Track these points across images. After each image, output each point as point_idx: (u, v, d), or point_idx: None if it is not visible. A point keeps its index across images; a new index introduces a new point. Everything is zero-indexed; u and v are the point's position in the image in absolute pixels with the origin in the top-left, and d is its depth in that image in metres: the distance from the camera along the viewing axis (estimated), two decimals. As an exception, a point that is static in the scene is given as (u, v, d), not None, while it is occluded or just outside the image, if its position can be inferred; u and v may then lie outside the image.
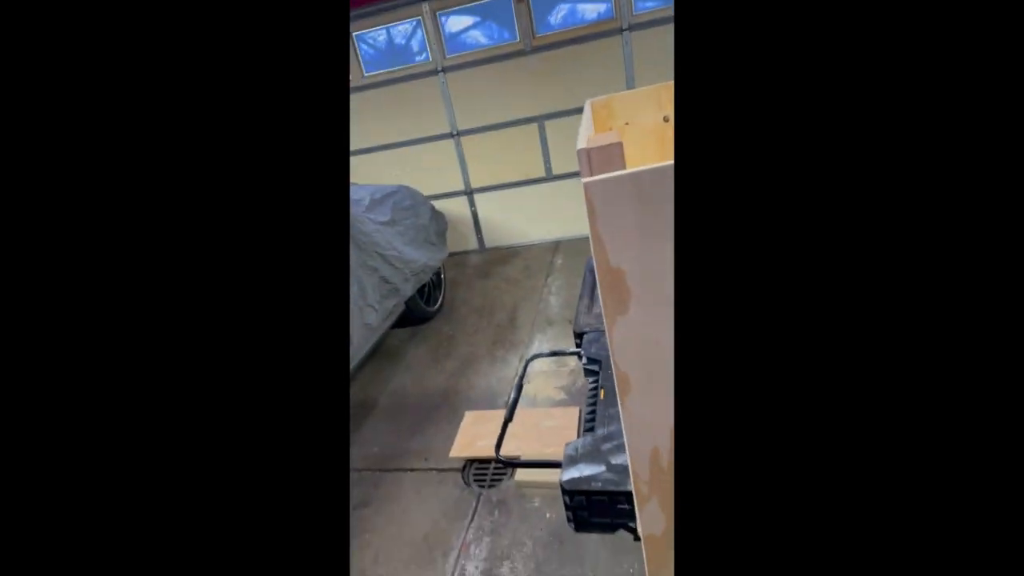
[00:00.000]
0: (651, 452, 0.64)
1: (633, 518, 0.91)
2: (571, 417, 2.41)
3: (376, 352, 3.39)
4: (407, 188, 3.52)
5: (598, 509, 0.97)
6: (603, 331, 1.10)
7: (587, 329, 1.51)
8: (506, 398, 2.74)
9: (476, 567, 1.87)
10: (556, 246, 4.46)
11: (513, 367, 2.95)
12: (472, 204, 4.68)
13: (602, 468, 0.96)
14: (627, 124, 1.26)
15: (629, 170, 0.53)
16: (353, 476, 2.42)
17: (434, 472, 2.35)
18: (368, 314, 2.71)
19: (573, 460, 1.02)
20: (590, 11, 3.97)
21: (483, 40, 4.20)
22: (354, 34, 4.26)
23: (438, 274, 3.82)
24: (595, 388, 1.34)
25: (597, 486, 0.96)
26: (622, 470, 0.93)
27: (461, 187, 4.62)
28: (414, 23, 4.19)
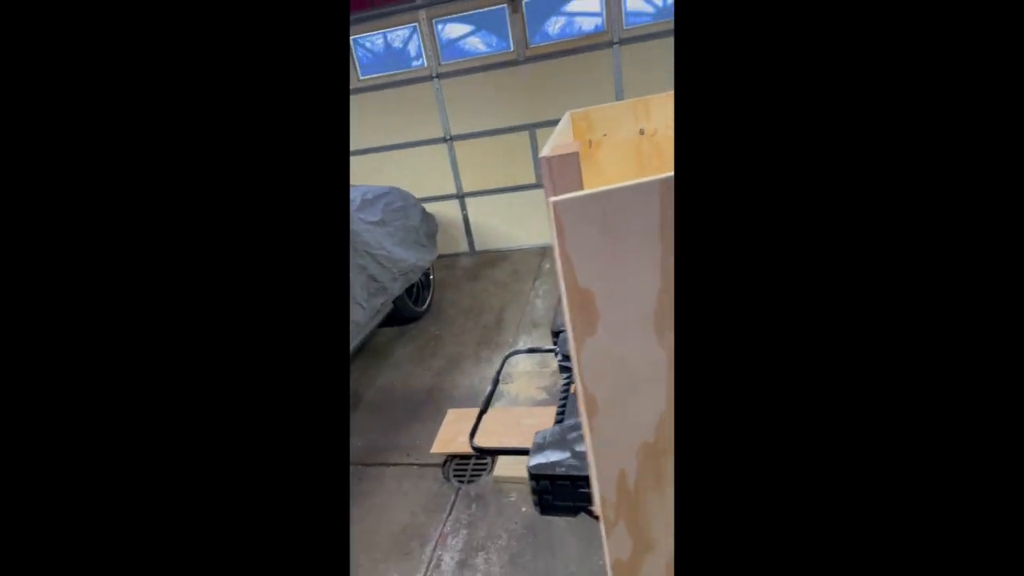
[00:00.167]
0: (618, 475, 0.63)
1: (590, 501, 0.97)
2: (550, 416, 2.48)
3: (363, 349, 3.45)
4: (398, 190, 3.59)
5: (561, 493, 1.03)
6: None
7: (564, 328, 1.59)
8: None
9: (452, 558, 1.93)
10: (544, 251, 4.55)
11: (497, 367, 3.02)
12: (463, 208, 4.75)
13: (567, 455, 1.02)
14: (605, 136, 1.34)
15: (598, 189, 0.53)
16: (336, 470, 2.46)
17: (415, 467, 2.41)
18: (355, 311, 2.77)
19: (541, 447, 1.08)
20: (582, 24, 4.08)
21: (478, 48, 4.30)
22: (351, 38, 4.33)
23: (427, 275, 3.88)
24: (568, 383, 1.41)
25: (561, 471, 1.02)
26: (585, 456, 0.99)
27: (453, 191, 4.69)
28: (410, 29, 4.28)
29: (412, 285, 3.57)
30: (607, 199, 0.53)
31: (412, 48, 4.36)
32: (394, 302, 3.27)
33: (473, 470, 2.32)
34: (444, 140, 4.53)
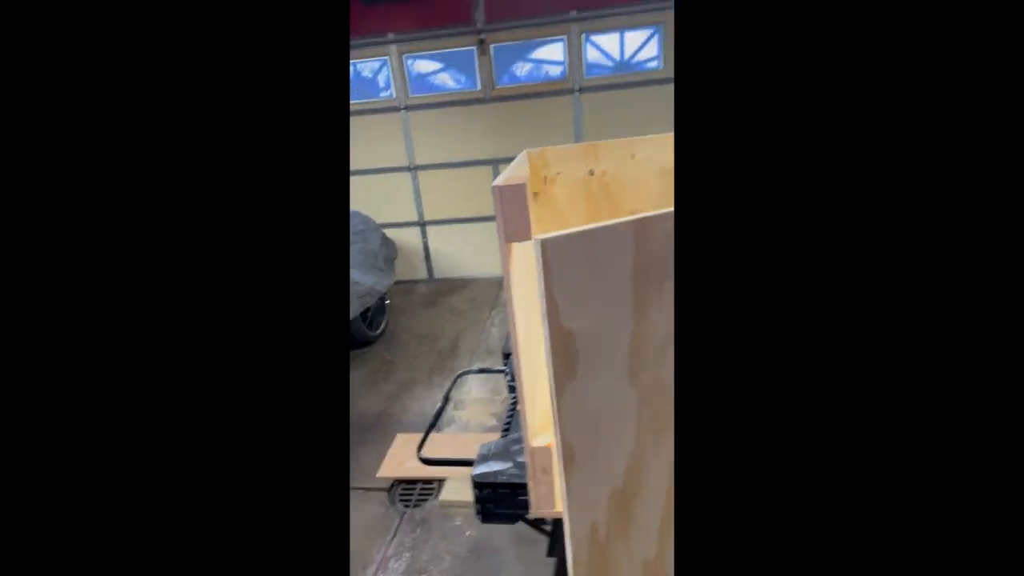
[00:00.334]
0: (590, 528, 0.61)
1: (528, 509, 1.03)
2: (499, 442, 2.52)
3: (313, 372, 3.39)
4: (359, 213, 3.63)
5: (503, 501, 1.08)
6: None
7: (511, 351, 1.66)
8: (439, 423, 2.82)
9: (393, 582, 1.91)
10: (503, 281, 4.64)
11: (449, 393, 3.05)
12: (424, 235, 4.82)
13: (509, 464, 1.09)
14: (559, 174, 1.46)
15: (581, 228, 0.52)
16: (277, 493, 2.39)
17: (360, 491, 2.38)
18: (309, 331, 2.75)
19: (485, 458, 1.14)
20: (547, 70, 4.34)
21: (446, 84, 4.47)
22: (322, 64, 4.42)
23: (382, 299, 3.89)
24: (515, 401, 1.48)
25: (503, 479, 1.08)
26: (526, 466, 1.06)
27: (415, 218, 4.76)
28: (381, 61, 4.42)
29: (367, 309, 3.57)
30: (591, 238, 0.53)
31: (381, 79, 4.49)
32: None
33: (420, 494, 2.31)
34: (408, 169, 4.63)
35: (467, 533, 2.06)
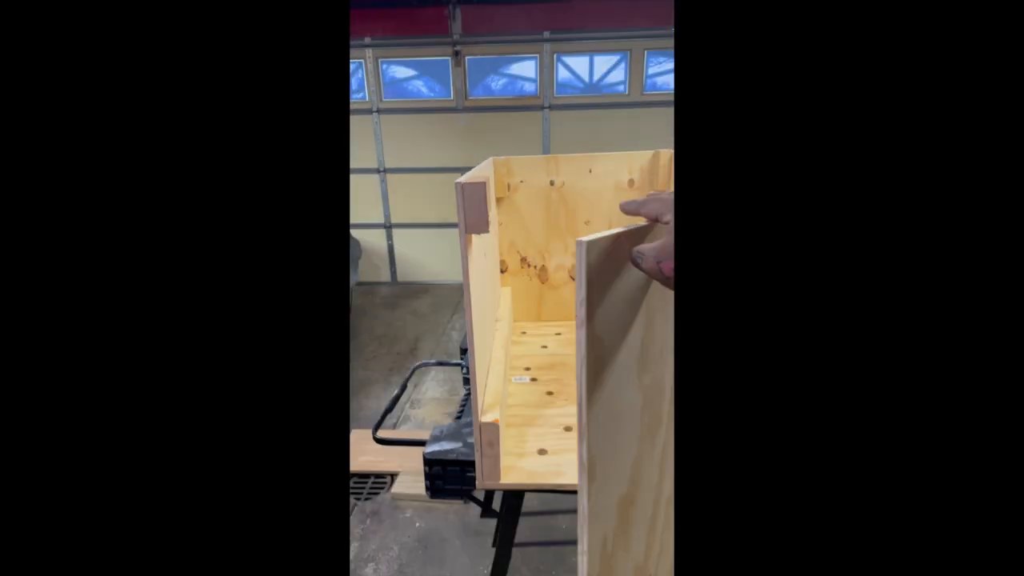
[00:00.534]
0: (602, 541, 0.59)
1: (474, 486, 1.11)
2: (453, 440, 2.59)
3: (269, 367, 3.36)
4: (327, 212, 3.65)
5: (452, 478, 1.17)
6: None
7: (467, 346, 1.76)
8: (395, 420, 2.86)
9: (341, 571, 1.94)
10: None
11: (407, 393, 3.09)
12: (389, 238, 4.85)
13: (459, 444, 1.18)
14: (522, 182, 1.57)
15: (619, 229, 0.51)
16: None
17: (312, 484, 2.39)
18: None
19: (437, 439, 1.23)
20: (522, 86, 4.50)
21: (420, 91, 4.56)
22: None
23: (345, 298, 3.90)
24: (468, 392, 1.58)
25: (452, 457, 1.17)
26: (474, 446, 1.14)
27: (381, 220, 4.79)
28: (356, 64, 4.47)
29: (329, 306, 3.57)
30: (626, 239, 0.51)
31: (354, 81, 4.54)
32: (309, 320, 3.26)
33: (372, 488, 2.35)
34: (377, 171, 4.67)
35: (417, 524, 2.12)
